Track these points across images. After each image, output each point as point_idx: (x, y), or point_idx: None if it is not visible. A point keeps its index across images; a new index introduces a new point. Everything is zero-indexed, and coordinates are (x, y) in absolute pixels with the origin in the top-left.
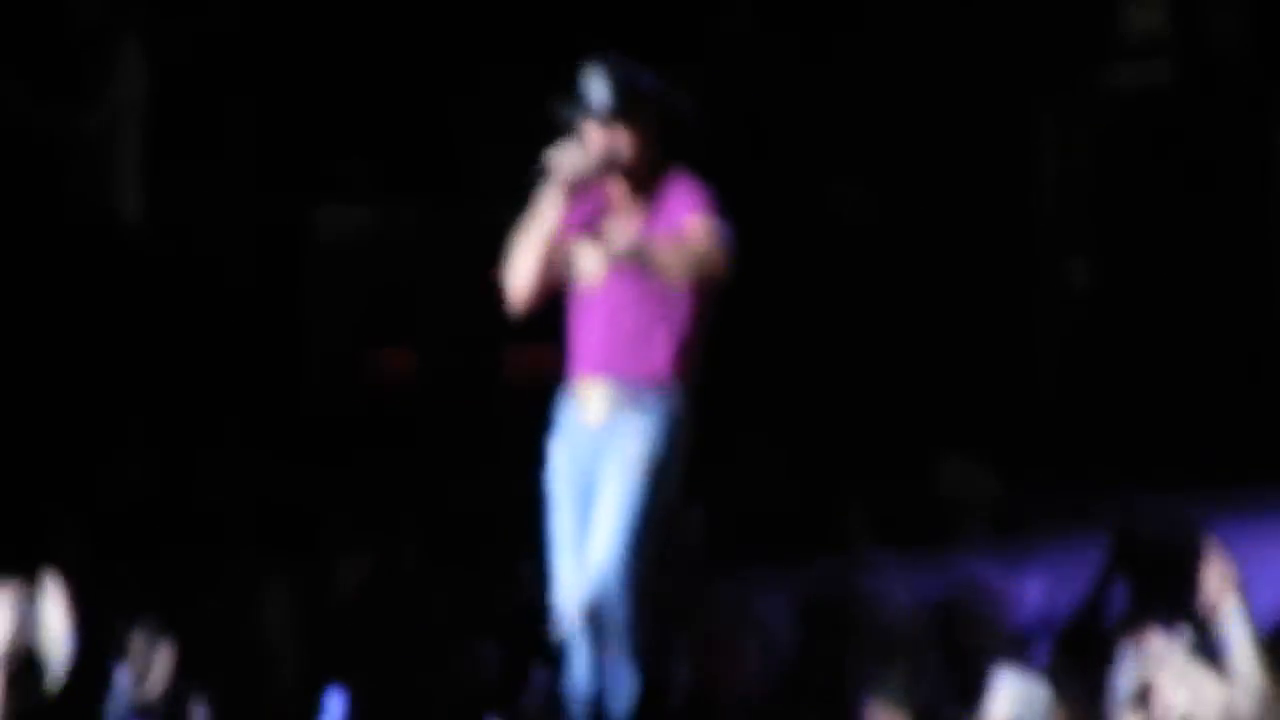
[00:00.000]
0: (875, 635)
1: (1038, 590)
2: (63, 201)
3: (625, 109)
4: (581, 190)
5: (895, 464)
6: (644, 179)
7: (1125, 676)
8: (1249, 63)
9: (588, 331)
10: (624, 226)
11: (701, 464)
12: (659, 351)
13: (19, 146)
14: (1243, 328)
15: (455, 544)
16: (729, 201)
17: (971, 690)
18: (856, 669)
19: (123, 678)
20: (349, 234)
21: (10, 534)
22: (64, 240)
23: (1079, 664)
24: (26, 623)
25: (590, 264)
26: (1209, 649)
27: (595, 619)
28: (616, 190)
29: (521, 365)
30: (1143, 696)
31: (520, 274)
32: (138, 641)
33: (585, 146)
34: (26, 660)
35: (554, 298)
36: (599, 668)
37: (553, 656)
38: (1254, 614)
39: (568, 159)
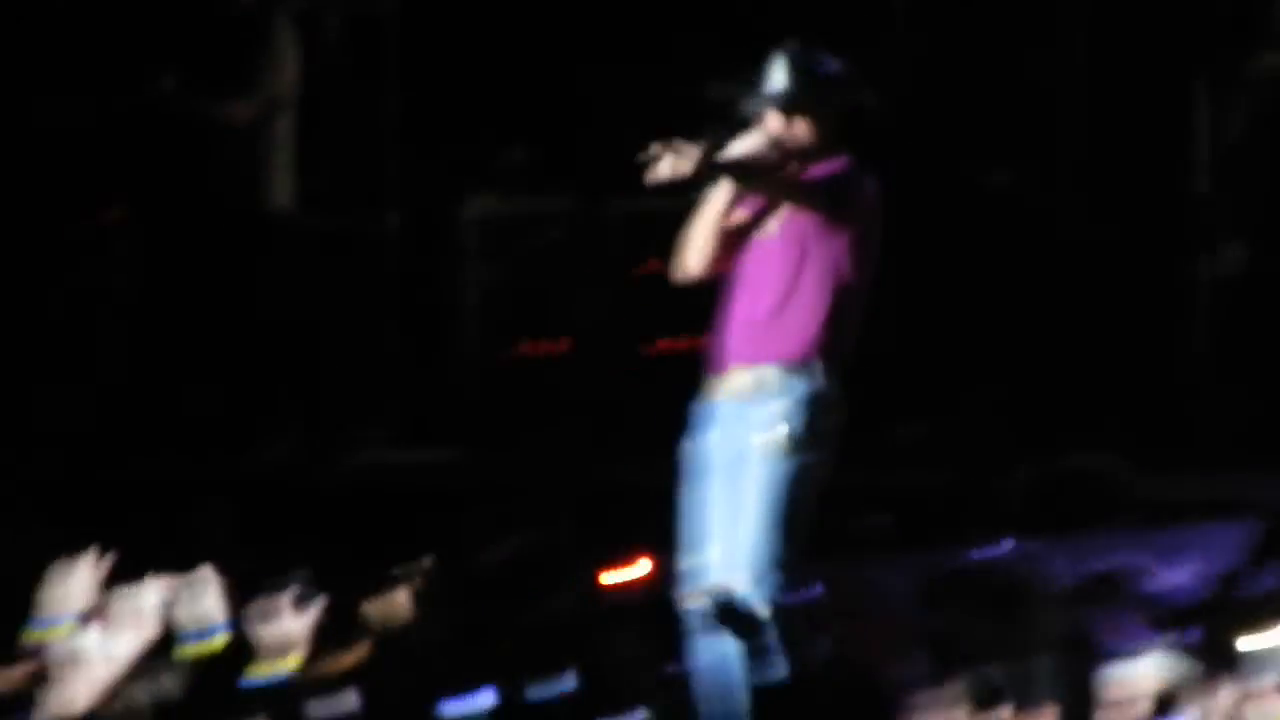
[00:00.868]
0: (1021, 617)
1: (1188, 574)
2: (216, 191)
3: (808, 99)
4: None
5: (1043, 448)
6: (811, 164)
7: (1265, 664)
8: None
9: (728, 314)
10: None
11: (855, 444)
12: (796, 332)
13: (173, 136)
14: None
15: (602, 529)
16: (887, 182)
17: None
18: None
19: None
20: (500, 224)
21: (160, 519)
22: (218, 229)
23: (1230, 646)
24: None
25: (684, 164)
26: None
27: (732, 602)
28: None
29: (670, 353)
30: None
31: (697, 254)
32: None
33: (764, 133)
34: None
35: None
36: (733, 652)
37: (687, 638)
38: None
39: (748, 145)
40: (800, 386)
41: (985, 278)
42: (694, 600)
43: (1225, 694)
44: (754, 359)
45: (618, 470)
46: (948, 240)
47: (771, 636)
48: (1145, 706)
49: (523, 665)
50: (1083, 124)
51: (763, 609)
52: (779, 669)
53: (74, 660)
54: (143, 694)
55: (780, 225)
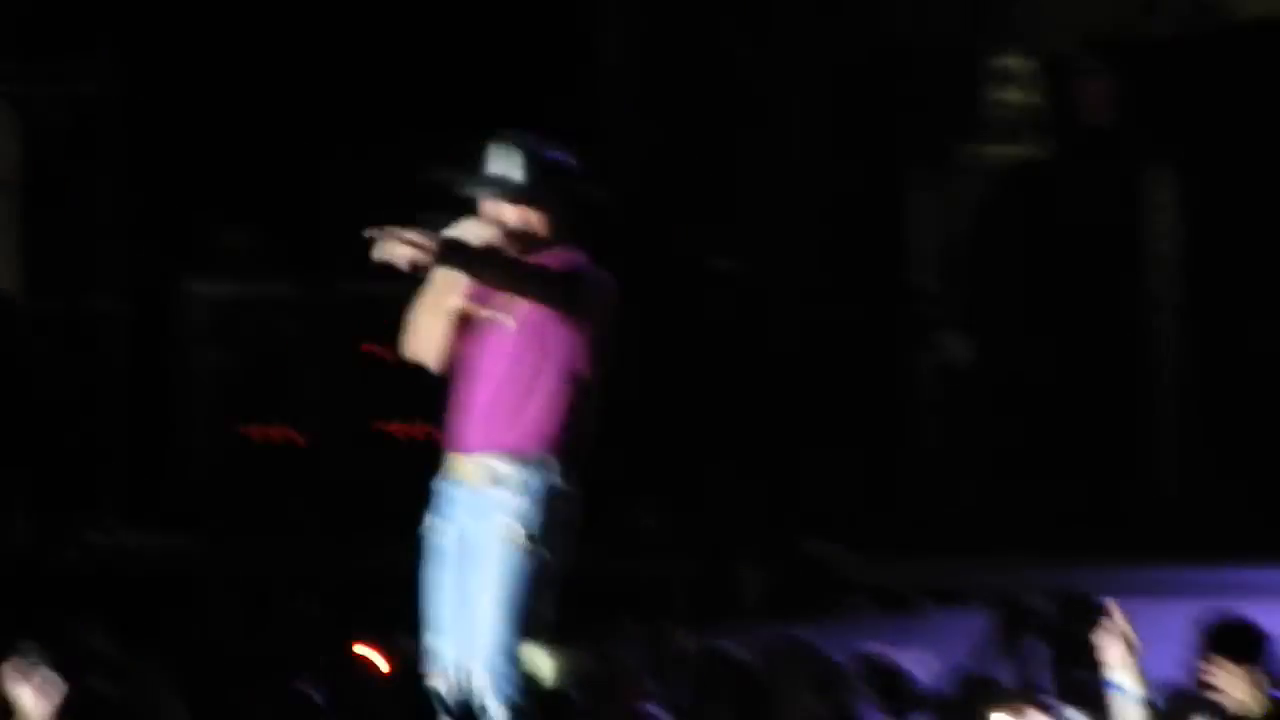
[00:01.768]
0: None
1: (923, 664)
2: None
3: (538, 190)
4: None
5: (774, 536)
6: (537, 252)
7: None
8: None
9: (461, 405)
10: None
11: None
12: (532, 425)
13: None
14: (1113, 399)
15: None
16: (619, 270)
17: None
18: None
19: None
20: (224, 305)
21: None
22: None
23: None
24: None
25: (407, 251)
26: None
27: (470, 688)
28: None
29: (401, 436)
30: None
31: (423, 340)
32: None
33: (491, 222)
34: None
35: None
36: None
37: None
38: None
39: (465, 230)
40: (535, 481)
41: (718, 363)
42: (437, 679)
43: None
44: (489, 448)
45: (351, 551)
46: (680, 327)
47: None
48: None
49: None
50: (810, 212)
51: (495, 701)
52: None
53: None
54: None
55: (518, 318)
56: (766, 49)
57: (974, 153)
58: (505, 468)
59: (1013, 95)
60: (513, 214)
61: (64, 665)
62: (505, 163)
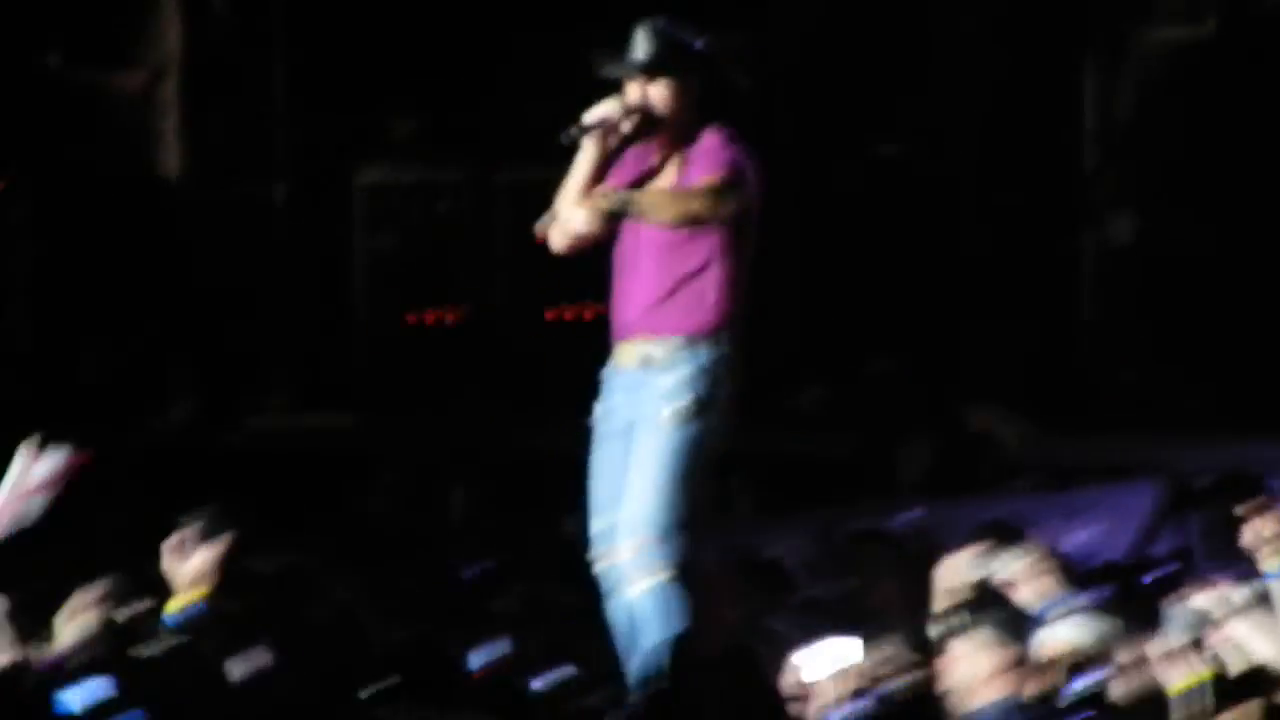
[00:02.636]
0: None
1: (1090, 536)
2: (106, 161)
3: (663, 64)
4: (625, 147)
5: (942, 413)
6: (682, 139)
7: (1180, 623)
8: None
9: (621, 290)
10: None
11: (754, 413)
12: (696, 306)
13: (61, 107)
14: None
15: (503, 492)
16: (776, 158)
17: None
18: (899, 609)
19: None
20: (390, 191)
21: None
22: (109, 199)
23: (1132, 607)
24: None
25: (579, 221)
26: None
27: (630, 563)
28: (660, 153)
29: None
30: (1198, 643)
31: (566, 229)
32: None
33: (624, 101)
34: None
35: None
36: (644, 608)
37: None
38: None
39: (601, 110)
40: (701, 355)
41: (881, 246)
42: (604, 560)
43: (1141, 651)
44: (655, 331)
45: (516, 433)
46: (845, 210)
47: (674, 596)
48: (1064, 666)
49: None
50: (975, 96)
51: (664, 569)
52: (679, 625)
53: None
54: None
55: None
56: None
57: (1143, 34)
58: (665, 350)
59: None
60: (649, 92)
61: (224, 543)
62: (639, 43)
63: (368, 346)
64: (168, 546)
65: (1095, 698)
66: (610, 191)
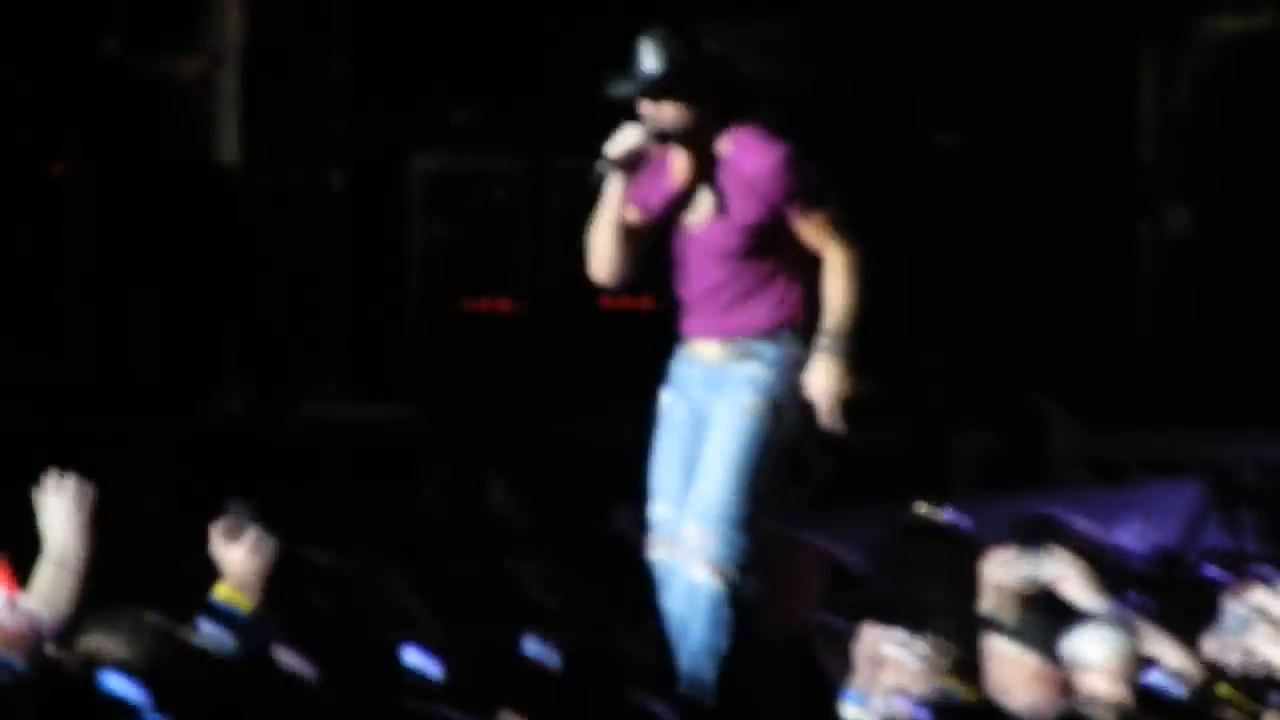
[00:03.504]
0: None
1: (1140, 531)
2: (164, 146)
3: (669, 85)
4: (647, 166)
5: (993, 407)
6: (705, 146)
7: (1233, 620)
8: None
9: (691, 292)
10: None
11: None
12: (764, 305)
13: (120, 92)
14: None
15: (556, 483)
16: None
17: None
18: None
19: None
20: (447, 178)
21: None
22: (166, 184)
23: (1175, 608)
24: None
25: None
26: None
27: (695, 549)
28: (680, 161)
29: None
30: (1243, 646)
31: (603, 261)
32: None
33: (643, 125)
34: None
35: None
36: (698, 600)
37: (649, 590)
38: None
39: (624, 141)
40: (782, 350)
41: (934, 236)
42: (662, 549)
43: (1193, 650)
44: (736, 330)
45: (571, 426)
46: (899, 198)
47: (733, 597)
48: (1113, 669)
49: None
50: (1032, 86)
51: (728, 563)
52: (735, 630)
53: None
54: None
55: (733, 212)
56: None
57: (1201, 25)
58: (746, 346)
59: None
60: (662, 112)
61: (276, 531)
62: (643, 60)
63: (422, 334)
64: (217, 530)
65: (1147, 699)
66: (833, 345)
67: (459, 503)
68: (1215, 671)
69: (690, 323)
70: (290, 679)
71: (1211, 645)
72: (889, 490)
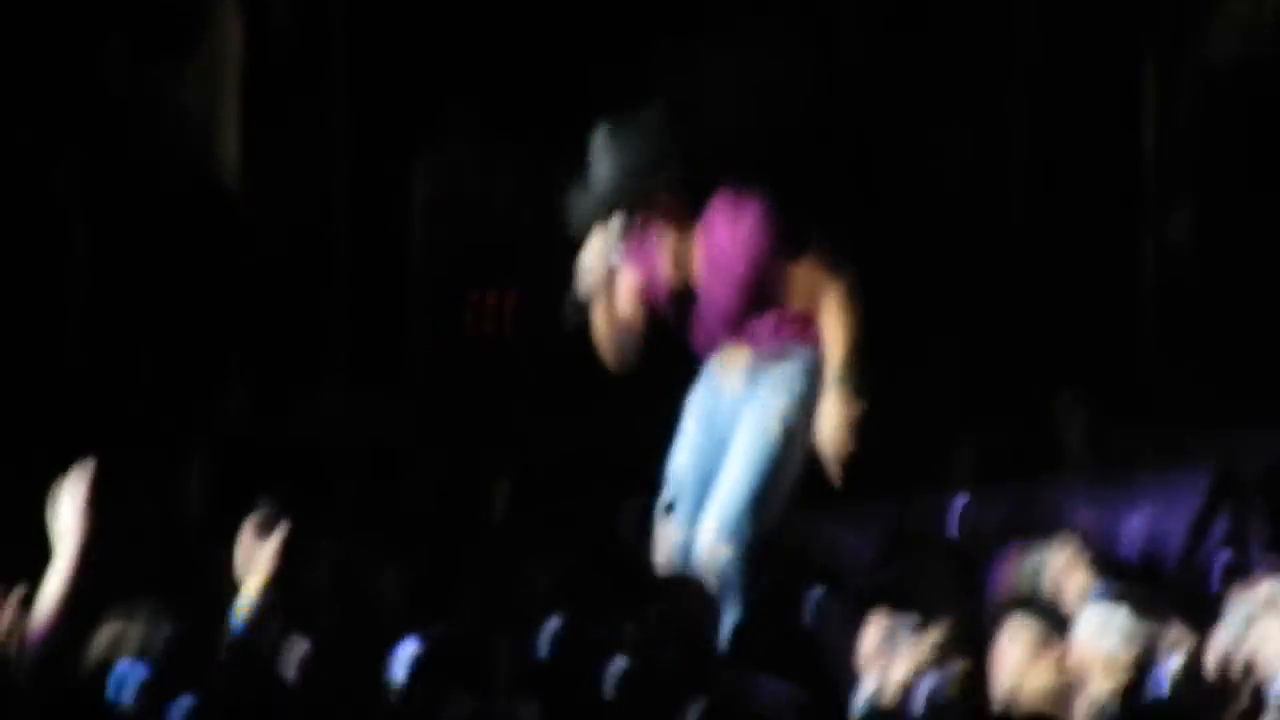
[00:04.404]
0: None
1: (1139, 526)
2: (160, 163)
3: (620, 197)
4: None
5: (999, 401)
6: (681, 222)
7: (1231, 617)
8: None
9: (709, 316)
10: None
11: None
12: (793, 320)
13: (119, 108)
14: None
15: (557, 484)
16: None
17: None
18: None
19: None
20: (452, 180)
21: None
22: (166, 190)
23: (1181, 600)
24: None
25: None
26: None
27: (710, 542)
28: (661, 239)
29: None
30: (1247, 640)
31: (615, 355)
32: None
33: (604, 242)
34: None
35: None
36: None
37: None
38: None
39: (589, 274)
40: (810, 358)
41: (942, 242)
42: (665, 540)
43: (1196, 645)
44: (764, 342)
45: (575, 425)
46: (904, 202)
47: (742, 582)
48: (1118, 662)
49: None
50: (1033, 100)
51: (726, 563)
52: (740, 612)
53: None
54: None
55: (724, 275)
56: None
57: (1205, 44)
58: (775, 355)
59: None
60: (632, 200)
61: (282, 533)
62: (594, 175)
63: (425, 334)
64: (249, 525)
65: (1154, 690)
66: (840, 377)
67: (461, 501)
68: (1221, 665)
69: (714, 341)
70: (300, 671)
71: (1217, 639)
72: (897, 483)
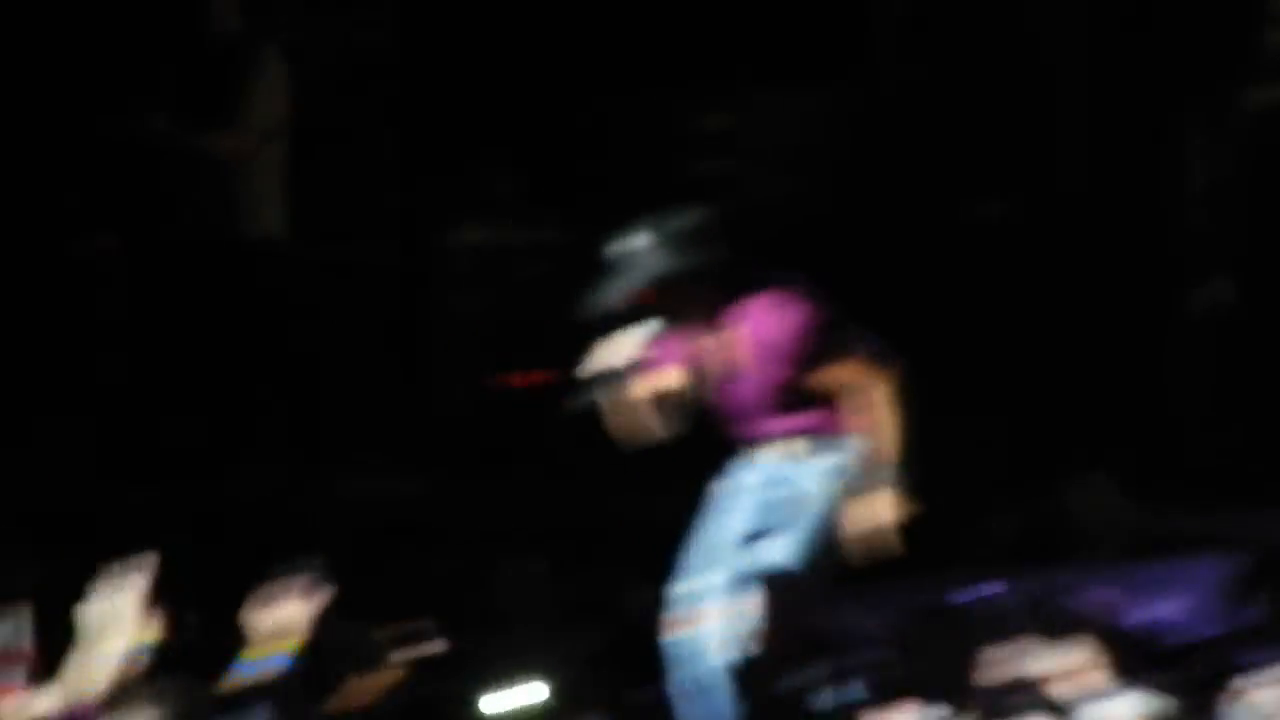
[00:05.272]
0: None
1: (1171, 610)
2: (206, 221)
3: (666, 287)
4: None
5: (1029, 482)
6: (708, 316)
7: (1264, 703)
8: None
9: (740, 404)
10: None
11: None
12: (824, 412)
13: (164, 168)
14: None
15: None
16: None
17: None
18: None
19: None
20: (489, 252)
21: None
22: (207, 258)
23: (1212, 686)
24: None
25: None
26: None
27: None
28: (696, 336)
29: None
30: None
31: (640, 433)
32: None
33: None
34: None
35: None
36: (713, 679)
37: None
38: None
39: (604, 375)
40: (844, 449)
41: (978, 308)
42: (683, 625)
43: None
44: (792, 432)
45: (610, 502)
46: (943, 271)
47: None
48: None
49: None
50: (1078, 156)
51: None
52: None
53: None
54: None
55: (761, 374)
56: None
57: (1245, 94)
58: (812, 445)
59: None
60: (665, 296)
61: (320, 600)
62: (613, 279)
63: (459, 410)
64: (254, 598)
65: None
66: (884, 476)
67: (482, 576)
68: None
69: (753, 428)
70: None
71: None
72: (925, 564)
